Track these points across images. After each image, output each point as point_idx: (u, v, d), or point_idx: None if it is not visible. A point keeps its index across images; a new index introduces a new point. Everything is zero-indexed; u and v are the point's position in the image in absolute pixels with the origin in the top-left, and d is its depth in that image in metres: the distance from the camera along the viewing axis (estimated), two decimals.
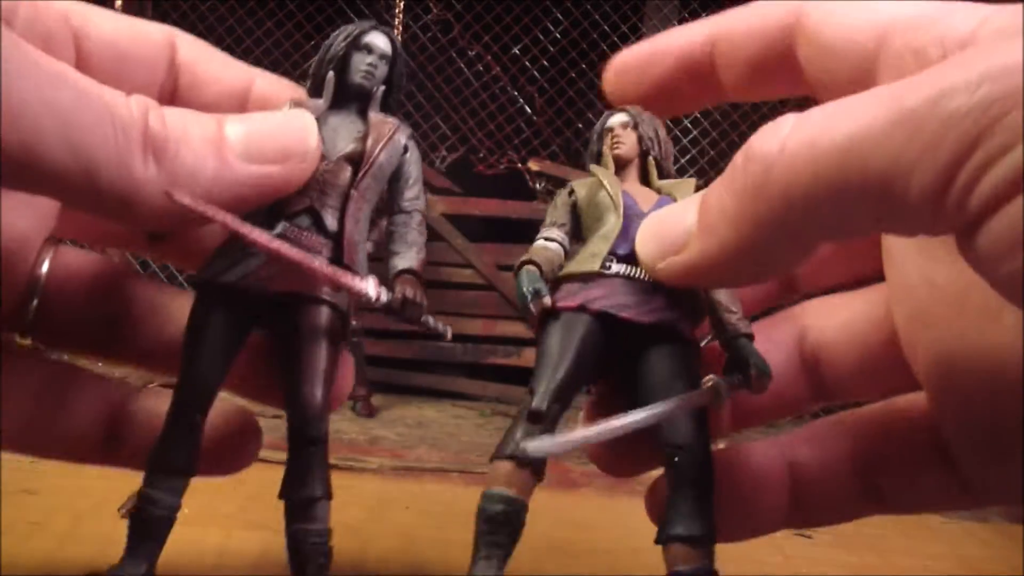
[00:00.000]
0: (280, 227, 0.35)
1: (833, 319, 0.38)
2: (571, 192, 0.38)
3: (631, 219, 0.36)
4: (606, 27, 1.19)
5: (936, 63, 0.28)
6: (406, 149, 0.38)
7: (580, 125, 1.29)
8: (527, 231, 0.39)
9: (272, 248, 0.33)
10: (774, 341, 0.36)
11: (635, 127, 0.39)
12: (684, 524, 0.33)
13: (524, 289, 0.34)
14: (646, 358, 0.35)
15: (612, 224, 0.36)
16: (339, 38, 0.38)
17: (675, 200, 0.37)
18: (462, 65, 1.26)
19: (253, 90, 0.40)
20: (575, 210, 0.38)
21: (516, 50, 1.17)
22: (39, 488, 0.58)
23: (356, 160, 0.37)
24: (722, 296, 0.36)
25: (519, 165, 1.34)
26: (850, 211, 0.25)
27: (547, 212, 0.39)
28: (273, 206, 0.35)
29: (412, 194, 0.39)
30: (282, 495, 0.35)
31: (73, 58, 0.35)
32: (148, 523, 0.35)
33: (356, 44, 0.37)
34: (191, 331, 0.35)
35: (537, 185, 1.33)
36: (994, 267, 0.23)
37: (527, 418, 0.34)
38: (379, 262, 0.38)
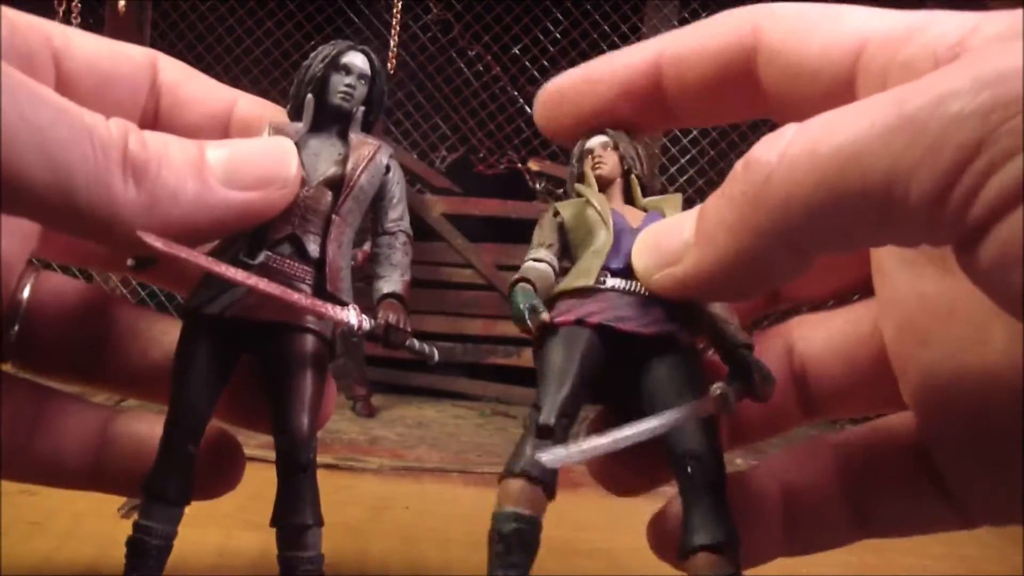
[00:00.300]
0: (262, 256, 0.35)
1: (820, 335, 0.37)
2: (556, 213, 0.38)
3: (621, 234, 0.36)
4: (606, 27, 1.19)
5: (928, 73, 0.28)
6: (388, 169, 0.38)
7: None
8: (527, 231, 0.39)
9: (250, 284, 0.33)
10: (763, 357, 0.36)
11: (615, 147, 0.38)
12: (707, 532, 0.32)
13: (520, 306, 0.34)
14: (649, 369, 0.34)
15: (603, 240, 0.36)
16: (317, 59, 0.37)
17: (664, 215, 0.37)
18: (462, 65, 1.26)
19: (235, 111, 0.40)
20: (562, 230, 0.38)
21: (516, 50, 1.17)
22: (39, 488, 0.58)
23: (337, 184, 0.36)
24: (718, 309, 0.36)
25: (519, 165, 1.34)
26: (850, 219, 0.25)
27: (534, 234, 0.38)
28: (255, 233, 0.35)
29: (396, 214, 0.38)
30: (273, 523, 0.35)
31: (54, 79, 0.35)
32: (145, 553, 0.34)
33: (334, 65, 0.37)
34: (179, 361, 0.35)
35: (537, 185, 1.33)
36: (997, 279, 0.23)
37: (536, 433, 0.33)
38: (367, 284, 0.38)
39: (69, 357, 0.39)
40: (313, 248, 0.36)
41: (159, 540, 0.34)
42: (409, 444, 0.82)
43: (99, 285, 0.41)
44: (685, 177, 1.28)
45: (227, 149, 0.33)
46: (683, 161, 1.30)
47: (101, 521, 0.53)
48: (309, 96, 0.37)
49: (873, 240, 0.26)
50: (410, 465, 0.75)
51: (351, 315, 0.34)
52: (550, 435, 0.32)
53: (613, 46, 1.16)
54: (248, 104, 0.40)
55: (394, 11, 1.16)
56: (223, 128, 0.39)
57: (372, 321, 0.35)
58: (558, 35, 1.19)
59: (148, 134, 0.30)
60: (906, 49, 0.29)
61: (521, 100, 1.28)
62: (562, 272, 0.37)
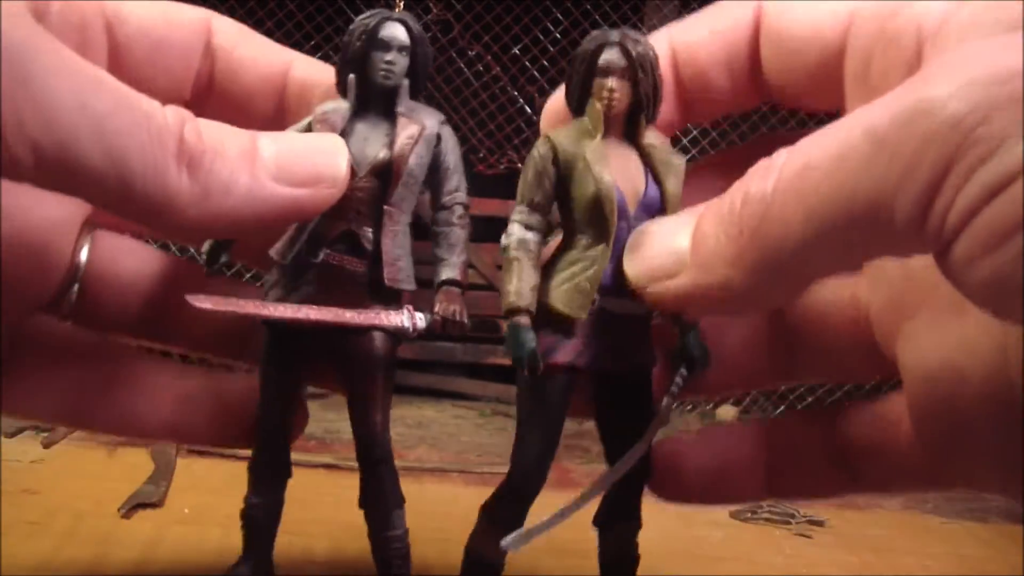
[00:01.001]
0: (322, 254, 0.36)
1: (801, 300, 0.38)
2: (553, 155, 0.35)
3: (619, 231, 0.34)
4: (606, 27, 1.19)
5: (909, 55, 0.28)
6: (439, 139, 0.37)
7: None
8: None
9: (300, 318, 0.34)
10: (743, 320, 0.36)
11: (632, 77, 0.34)
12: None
13: (518, 353, 0.33)
14: (615, 402, 0.36)
15: (599, 253, 0.34)
16: (355, 36, 0.36)
17: (662, 187, 0.35)
18: (462, 65, 1.26)
19: (291, 74, 0.39)
20: (555, 166, 0.35)
21: (516, 50, 1.17)
22: (39, 488, 0.58)
23: (386, 171, 0.36)
24: None
25: (519, 165, 1.34)
26: (843, 246, 0.25)
27: (521, 179, 0.36)
28: (314, 230, 0.36)
29: (451, 185, 0.38)
30: (361, 506, 0.37)
31: (106, 49, 0.35)
32: (253, 526, 0.38)
33: (372, 41, 0.36)
34: (263, 366, 0.37)
35: None
36: (965, 277, 0.23)
37: (510, 503, 0.36)
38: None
39: (131, 316, 0.40)
40: (368, 242, 0.36)
41: (265, 512, 0.38)
42: (409, 444, 0.82)
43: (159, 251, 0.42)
44: None
45: (279, 144, 0.32)
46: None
47: (101, 521, 0.53)
48: (351, 77, 0.36)
49: (868, 259, 0.27)
50: (410, 465, 0.75)
51: (404, 319, 0.35)
52: (529, 500, 0.36)
53: None
54: (304, 66, 0.39)
55: (396, 11, 1.16)
56: (278, 91, 0.39)
57: (427, 317, 0.36)
58: (558, 35, 1.19)
59: (203, 124, 0.30)
60: (892, 23, 0.30)
61: (521, 100, 1.28)
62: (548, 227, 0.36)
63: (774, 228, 0.26)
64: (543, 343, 0.34)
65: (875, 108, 0.24)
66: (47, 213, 0.36)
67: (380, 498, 0.37)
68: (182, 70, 0.37)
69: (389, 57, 0.36)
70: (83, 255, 0.38)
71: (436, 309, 0.36)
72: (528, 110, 1.27)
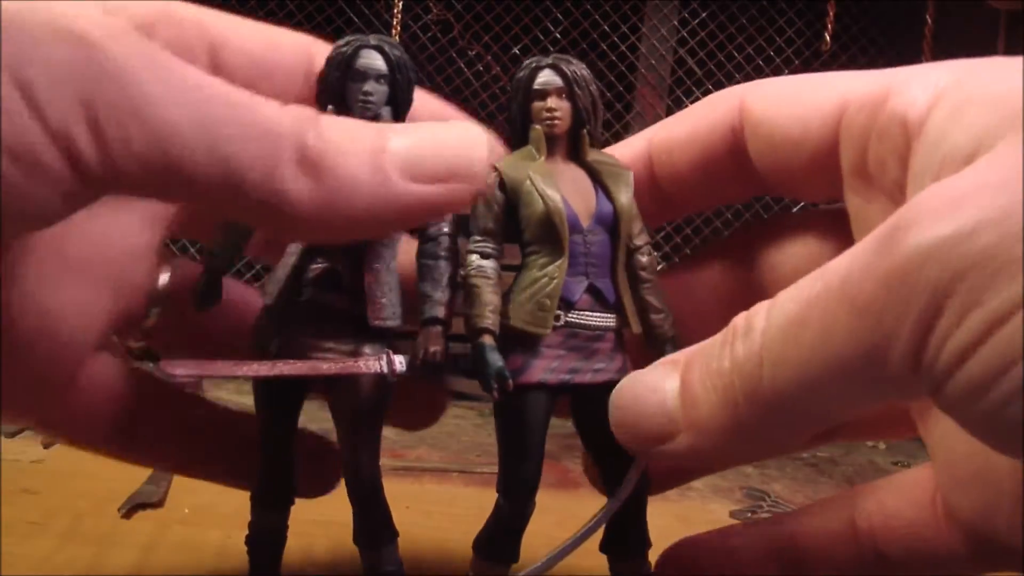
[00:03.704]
0: (306, 294, 0.36)
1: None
2: (499, 182, 0.35)
3: (574, 244, 0.35)
4: (606, 27, 1.19)
5: (900, 146, 0.29)
6: None
7: None
8: None
9: (275, 375, 0.33)
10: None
11: (570, 95, 0.35)
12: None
13: (486, 372, 0.33)
14: (594, 415, 0.35)
15: (556, 268, 0.35)
16: (332, 65, 0.35)
17: (614, 200, 0.35)
18: (462, 65, 1.26)
19: None
20: (504, 201, 0.36)
21: (516, 50, 1.17)
22: (39, 488, 0.58)
23: None
24: (652, 298, 0.36)
25: None
26: (840, 404, 0.26)
27: (471, 212, 0.36)
28: (296, 267, 0.36)
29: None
30: (355, 542, 0.37)
31: (209, 71, 0.35)
32: (259, 551, 0.38)
33: (349, 72, 0.35)
34: (257, 393, 0.37)
35: None
36: (959, 412, 0.24)
37: (504, 536, 0.36)
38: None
39: (205, 341, 0.40)
40: (350, 280, 0.35)
41: (270, 536, 0.38)
42: (409, 444, 0.82)
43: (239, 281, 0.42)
44: None
45: (411, 137, 0.30)
46: None
47: (101, 521, 0.53)
48: (329, 108, 0.35)
49: (862, 411, 0.27)
50: (410, 465, 0.75)
51: (383, 365, 0.34)
52: (523, 526, 0.36)
53: (613, 46, 1.16)
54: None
55: (394, 11, 1.16)
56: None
57: (406, 360, 0.35)
58: (558, 35, 1.19)
59: (329, 122, 0.29)
60: (882, 114, 0.30)
61: None
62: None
63: (770, 396, 0.26)
64: (512, 363, 0.34)
65: (853, 271, 0.25)
66: (125, 235, 0.36)
67: (370, 535, 0.36)
68: (283, 95, 0.37)
69: (366, 87, 0.35)
70: (164, 278, 0.38)
71: (417, 351, 0.35)
72: None
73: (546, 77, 0.35)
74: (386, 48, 0.35)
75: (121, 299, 0.36)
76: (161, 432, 0.39)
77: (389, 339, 0.36)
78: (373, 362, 0.34)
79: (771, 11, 1.11)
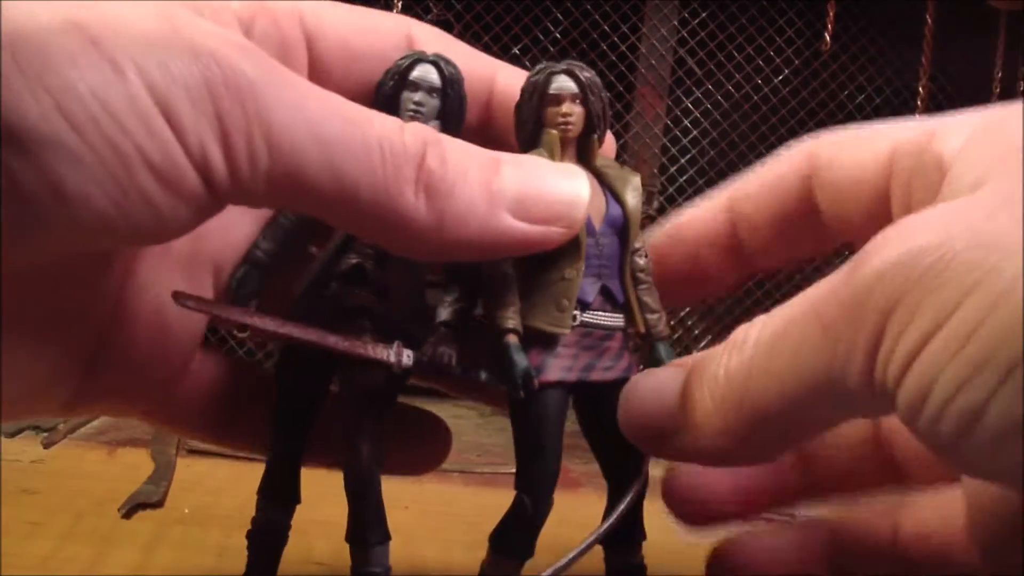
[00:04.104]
0: (332, 288, 0.36)
1: None
2: None
3: (588, 247, 0.35)
4: (606, 27, 1.19)
5: (934, 185, 0.30)
6: None
7: None
8: None
9: (283, 333, 0.33)
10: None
11: (584, 100, 0.36)
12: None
13: (513, 372, 0.34)
14: (602, 413, 0.36)
15: (574, 271, 0.35)
16: (388, 75, 0.36)
17: (623, 203, 0.36)
18: None
19: (496, 85, 0.38)
20: None
21: (516, 50, 1.17)
22: (39, 488, 0.58)
23: None
24: (648, 299, 0.37)
25: None
26: (815, 415, 0.28)
27: None
28: (327, 261, 0.36)
29: None
30: (347, 539, 0.36)
31: (306, 62, 0.35)
32: (259, 548, 0.37)
33: (403, 81, 0.36)
34: (277, 384, 0.37)
35: None
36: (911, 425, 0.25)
37: (523, 532, 0.35)
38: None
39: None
40: (376, 277, 0.36)
41: (273, 533, 0.38)
42: None
43: None
44: (685, 177, 1.28)
45: (522, 174, 0.31)
46: (683, 161, 1.30)
47: (101, 521, 0.53)
48: None
49: (841, 423, 0.29)
50: None
51: (391, 354, 0.34)
52: (541, 523, 0.35)
53: (613, 46, 1.16)
54: (508, 77, 0.39)
55: (394, 11, 1.16)
56: (484, 102, 0.38)
57: (411, 355, 0.35)
58: (558, 35, 1.19)
59: (449, 146, 0.30)
60: (923, 161, 0.31)
61: None
62: None
63: (756, 403, 0.28)
64: (532, 363, 0.35)
65: (823, 292, 0.27)
66: (225, 234, 0.36)
67: (360, 532, 0.36)
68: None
69: (418, 98, 0.36)
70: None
71: (426, 350, 0.35)
72: None
73: (561, 82, 0.36)
74: (441, 64, 0.36)
75: (220, 291, 0.37)
76: (264, 421, 0.39)
77: (407, 340, 0.36)
78: (382, 349, 0.34)
79: (771, 11, 1.11)
